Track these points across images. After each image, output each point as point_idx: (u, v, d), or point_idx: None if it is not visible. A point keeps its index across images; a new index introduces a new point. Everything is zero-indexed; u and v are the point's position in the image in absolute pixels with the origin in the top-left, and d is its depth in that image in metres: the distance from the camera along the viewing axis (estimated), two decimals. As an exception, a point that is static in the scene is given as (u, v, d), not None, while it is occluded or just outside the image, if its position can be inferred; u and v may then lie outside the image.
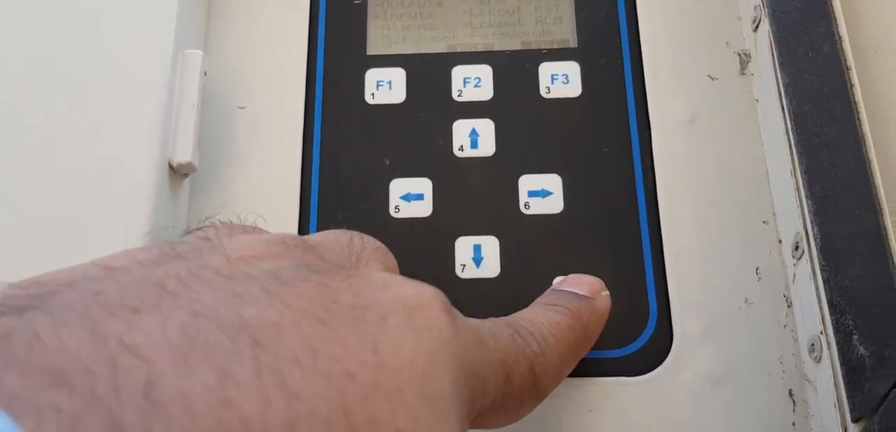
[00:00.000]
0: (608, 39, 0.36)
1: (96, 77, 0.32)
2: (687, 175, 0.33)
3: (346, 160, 0.34)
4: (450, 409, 0.18)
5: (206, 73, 0.34)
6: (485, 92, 0.35)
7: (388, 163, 0.34)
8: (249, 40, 0.36)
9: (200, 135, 0.33)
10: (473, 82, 0.35)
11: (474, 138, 0.34)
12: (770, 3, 0.28)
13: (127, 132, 0.32)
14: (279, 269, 0.18)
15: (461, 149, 0.34)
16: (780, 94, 0.28)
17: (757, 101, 0.34)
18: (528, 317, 0.25)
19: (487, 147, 0.34)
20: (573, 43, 0.36)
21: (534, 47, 0.36)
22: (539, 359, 0.24)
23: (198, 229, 0.22)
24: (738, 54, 0.35)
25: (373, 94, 0.35)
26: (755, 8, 0.33)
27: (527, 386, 0.23)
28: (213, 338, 0.15)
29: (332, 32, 0.37)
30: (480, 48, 0.36)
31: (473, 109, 0.35)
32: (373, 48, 0.36)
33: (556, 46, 0.36)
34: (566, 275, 0.30)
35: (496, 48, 0.36)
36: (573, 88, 0.35)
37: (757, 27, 0.33)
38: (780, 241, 0.31)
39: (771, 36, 0.28)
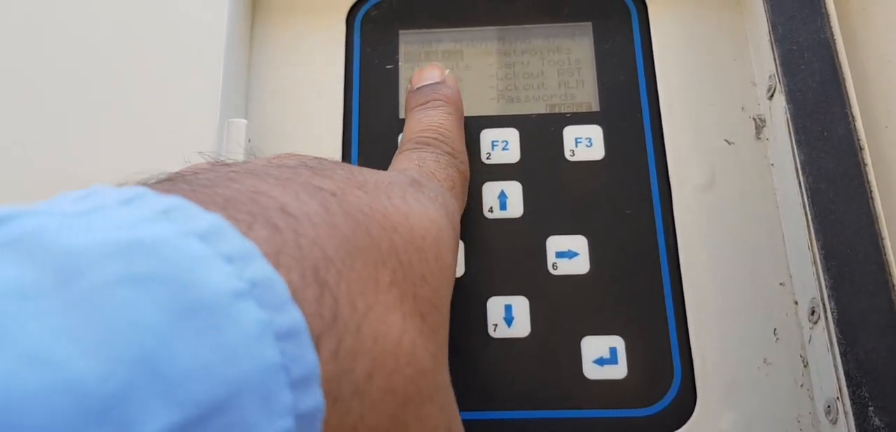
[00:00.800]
0: (629, 103, 0.38)
1: (148, 146, 0.34)
2: (707, 237, 0.35)
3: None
4: (450, 265, 0.25)
5: (250, 140, 0.36)
6: (512, 155, 0.37)
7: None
8: (287, 105, 0.38)
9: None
10: (502, 145, 0.37)
11: (503, 200, 0.36)
12: (787, 83, 0.30)
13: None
14: (306, 160, 0.25)
15: (491, 210, 0.36)
16: (797, 170, 0.30)
17: (772, 165, 0.36)
18: (426, 125, 0.33)
19: (516, 208, 0.36)
20: (596, 106, 0.38)
21: (558, 111, 0.38)
22: (459, 163, 0.32)
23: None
24: (754, 119, 0.37)
25: (406, 157, 0.37)
26: (770, 77, 0.35)
27: (463, 181, 0.33)
28: (301, 187, 0.21)
29: (366, 97, 0.39)
30: (507, 111, 0.38)
31: (502, 172, 0.37)
32: (404, 111, 0.38)
33: (579, 110, 0.38)
34: (593, 336, 0.32)
35: (522, 112, 0.38)
36: (596, 151, 0.37)
37: (772, 96, 0.35)
38: (797, 303, 0.33)
39: (788, 114, 0.30)
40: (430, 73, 0.36)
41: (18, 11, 0.37)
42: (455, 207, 0.30)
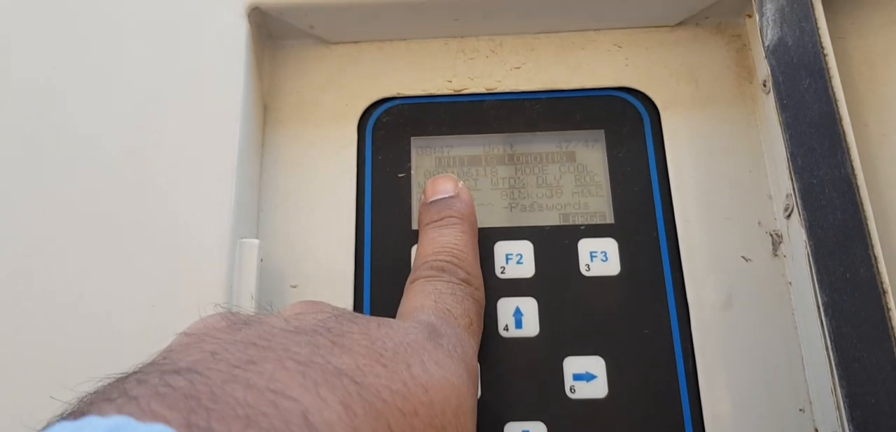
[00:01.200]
0: (643, 215, 0.37)
1: (158, 267, 0.33)
2: (725, 359, 0.34)
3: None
4: (469, 429, 0.25)
5: (262, 260, 0.35)
6: (527, 269, 0.37)
7: (435, 342, 0.35)
8: (299, 218, 0.38)
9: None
10: (516, 259, 0.37)
11: (519, 318, 0.36)
12: (807, 218, 0.30)
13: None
14: (325, 322, 0.25)
15: (506, 328, 0.36)
16: (819, 310, 0.30)
17: (790, 284, 0.35)
18: (440, 246, 0.33)
19: (532, 327, 0.36)
20: (610, 218, 0.38)
21: (572, 222, 0.38)
22: (475, 290, 0.32)
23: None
24: (771, 235, 0.37)
25: (419, 271, 0.37)
26: (787, 196, 0.35)
27: (479, 311, 0.33)
28: (321, 376, 0.21)
29: (379, 207, 0.38)
30: (521, 222, 0.38)
31: (517, 287, 0.36)
32: (417, 223, 0.38)
33: (593, 221, 0.38)
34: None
35: (536, 223, 0.38)
36: (612, 266, 0.37)
37: (789, 215, 0.35)
38: (817, 431, 0.33)
39: (809, 250, 0.30)
40: (444, 186, 0.36)
41: (27, 127, 0.36)
42: (473, 351, 0.30)
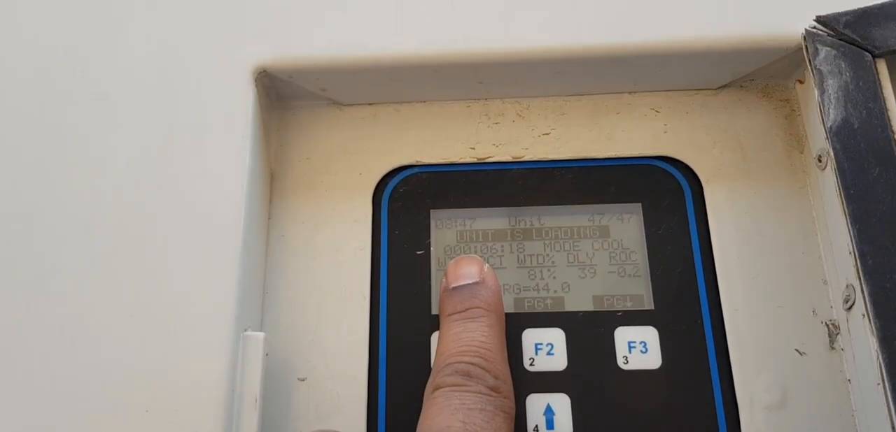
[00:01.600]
0: (686, 300, 0.34)
1: (156, 362, 0.30)
2: (779, 468, 0.31)
3: (413, 438, 0.32)
4: None
5: (267, 354, 0.32)
6: (559, 361, 0.33)
7: (457, 442, 0.32)
8: (308, 302, 0.35)
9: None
10: (546, 349, 0.34)
11: (550, 418, 0.32)
12: (881, 330, 0.27)
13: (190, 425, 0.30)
14: None
15: (536, 429, 0.32)
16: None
17: (848, 381, 0.32)
18: (465, 345, 0.30)
19: (565, 427, 0.32)
20: (649, 303, 0.34)
21: (607, 308, 0.34)
22: (504, 399, 0.29)
23: None
24: (827, 325, 0.33)
25: (440, 361, 0.34)
26: (848, 287, 0.31)
27: (509, 425, 0.29)
28: None
29: (395, 290, 0.35)
30: (551, 308, 0.34)
31: (548, 382, 0.33)
32: (437, 306, 0.35)
33: (631, 307, 0.34)
34: None
35: (568, 308, 0.34)
36: (653, 359, 0.33)
37: (850, 307, 0.31)
38: None
39: (881, 363, 0.27)
40: (468, 270, 0.33)
41: (23, 202, 0.33)
42: None
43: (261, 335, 0.32)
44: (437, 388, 0.29)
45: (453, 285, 0.33)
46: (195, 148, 0.34)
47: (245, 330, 0.32)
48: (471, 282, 0.32)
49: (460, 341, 0.30)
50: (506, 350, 0.32)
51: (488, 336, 0.31)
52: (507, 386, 0.30)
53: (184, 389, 0.30)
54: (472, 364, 0.29)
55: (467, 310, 0.31)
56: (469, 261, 0.33)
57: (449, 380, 0.29)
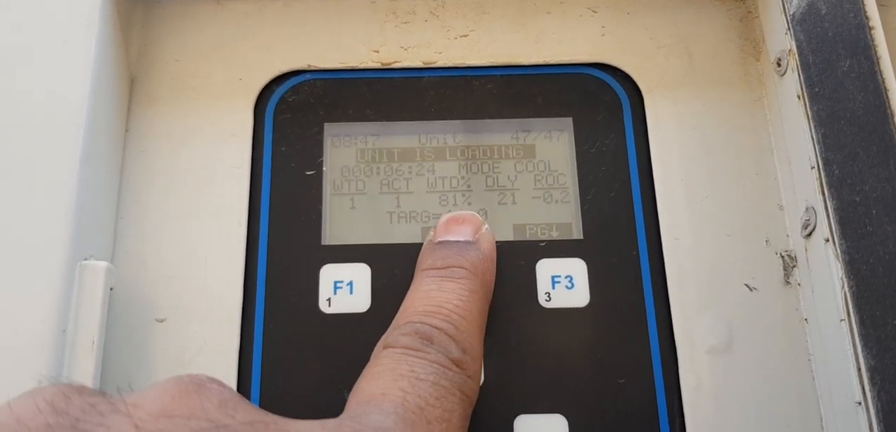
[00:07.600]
0: (621, 229, 0.29)
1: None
2: (722, 419, 0.27)
3: (294, 386, 0.27)
4: None
5: (112, 288, 0.26)
6: (470, 299, 0.28)
7: (346, 395, 0.27)
8: (172, 232, 0.29)
9: (106, 357, 0.26)
10: (456, 285, 0.28)
11: (457, 364, 0.27)
12: (847, 252, 0.22)
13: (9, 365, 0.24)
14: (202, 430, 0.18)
15: (441, 377, 0.27)
16: (860, 373, 0.22)
17: (805, 320, 0.28)
18: (435, 304, 0.24)
19: (474, 376, 0.27)
20: (578, 232, 0.29)
21: (530, 237, 0.29)
22: (466, 379, 0.23)
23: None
24: (781, 256, 0.29)
25: (329, 300, 0.28)
26: (808, 210, 0.27)
27: (465, 409, 0.23)
28: None
29: (279, 217, 0.29)
30: (464, 236, 0.29)
31: (456, 323, 0.28)
32: (330, 236, 0.29)
33: (556, 237, 0.29)
34: None
35: (484, 237, 0.29)
36: (579, 296, 0.28)
37: (810, 233, 0.27)
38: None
39: (847, 293, 0.22)
40: (462, 228, 0.27)
41: None
42: None
43: (102, 264, 0.26)
44: (386, 347, 0.23)
45: (439, 239, 0.27)
46: (34, 42, 0.28)
47: (85, 260, 0.26)
48: (461, 240, 0.27)
49: (430, 299, 0.25)
50: (484, 327, 0.26)
51: (466, 301, 0.25)
52: (475, 364, 0.24)
53: (4, 327, 0.24)
54: (437, 327, 0.24)
55: (448, 267, 0.26)
56: (464, 217, 0.28)
57: (403, 340, 0.23)
